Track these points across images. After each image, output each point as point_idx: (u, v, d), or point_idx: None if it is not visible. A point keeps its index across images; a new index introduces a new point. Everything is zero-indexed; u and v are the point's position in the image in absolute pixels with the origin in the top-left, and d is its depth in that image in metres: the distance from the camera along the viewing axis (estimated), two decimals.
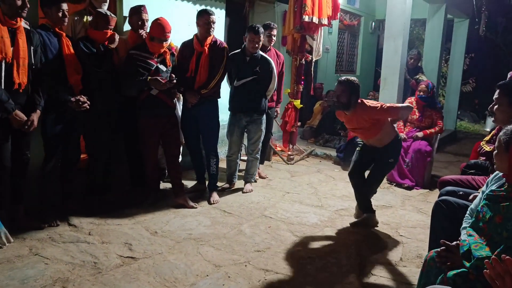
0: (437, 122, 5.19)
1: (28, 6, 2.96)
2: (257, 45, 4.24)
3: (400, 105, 3.72)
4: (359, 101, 3.54)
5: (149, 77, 3.71)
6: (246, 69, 4.29)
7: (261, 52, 4.40)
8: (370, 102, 3.59)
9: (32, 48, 3.11)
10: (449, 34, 8.80)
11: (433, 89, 5.26)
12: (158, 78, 3.69)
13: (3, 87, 2.92)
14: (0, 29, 2.89)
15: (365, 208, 3.76)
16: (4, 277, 2.65)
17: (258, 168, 4.96)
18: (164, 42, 3.76)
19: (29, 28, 3.11)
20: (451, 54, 9.20)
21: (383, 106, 3.55)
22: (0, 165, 3.06)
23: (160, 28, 3.70)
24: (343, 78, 3.59)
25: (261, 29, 4.25)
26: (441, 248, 2.02)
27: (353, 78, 3.59)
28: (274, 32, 4.90)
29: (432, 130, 5.16)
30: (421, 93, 5.18)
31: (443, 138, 7.01)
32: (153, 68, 3.78)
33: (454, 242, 2.03)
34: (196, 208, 4.01)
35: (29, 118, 3.06)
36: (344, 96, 3.50)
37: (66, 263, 2.88)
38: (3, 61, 2.91)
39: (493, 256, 1.56)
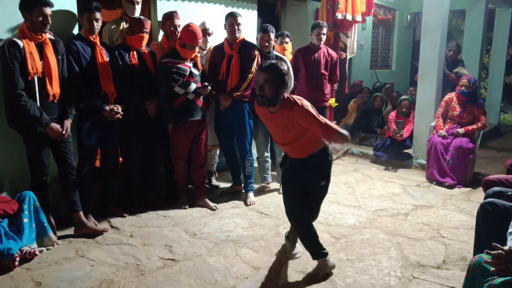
0: (480, 118, 5.01)
1: (50, 22, 3.03)
2: (267, 44, 4.28)
3: (337, 128, 2.72)
4: (285, 96, 2.70)
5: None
6: None
7: (275, 52, 4.43)
8: (302, 101, 2.69)
9: (59, 57, 3.20)
10: (490, 23, 8.46)
11: (475, 84, 5.07)
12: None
13: (38, 101, 3.05)
14: (28, 45, 2.98)
15: (317, 253, 2.90)
16: (54, 279, 2.78)
17: None
18: (196, 48, 3.82)
19: (53, 38, 3.20)
20: (493, 44, 8.84)
21: (320, 118, 2.66)
22: (42, 171, 3.21)
23: (191, 35, 3.75)
24: (266, 63, 2.69)
25: (270, 28, 4.29)
26: (498, 251, 1.93)
27: (280, 62, 2.70)
28: (324, 30, 4.86)
29: (474, 126, 4.99)
30: (463, 88, 5.01)
31: (486, 133, 6.74)
32: (187, 73, 3.84)
33: (507, 247, 1.95)
34: (216, 209, 4.05)
35: (62, 127, 3.18)
36: (270, 88, 2.62)
37: (110, 265, 2.98)
38: (35, 76, 3.02)
39: None
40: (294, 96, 2.73)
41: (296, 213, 2.91)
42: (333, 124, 2.75)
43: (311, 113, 2.65)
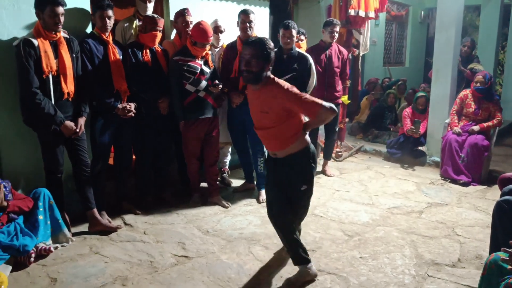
0: (495, 114, 4.93)
1: (62, 21, 3.05)
2: (289, 40, 4.17)
3: (323, 102, 2.57)
4: (271, 76, 2.65)
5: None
6: (284, 67, 4.24)
7: (297, 49, 4.36)
8: (284, 83, 2.64)
9: (74, 56, 3.23)
10: (506, 19, 8.31)
11: (491, 80, 4.99)
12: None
13: (52, 99, 3.08)
14: (43, 44, 3.02)
15: (299, 259, 2.78)
16: (69, 275, 2.82)
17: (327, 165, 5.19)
18: (206, 45, 3.83)
19: (68, 36, 3.23)
20: (508, 40, 8.66)
21: (302, 96, 2.58)
22: (56, 169, 3.25)
23: (202, 33, 3.74)
24: (252, 38, 2.70)
25: (292, 24, 4.18)
26: None
27: (266, 38, 2.68)
28: (337, 28, 4.85)
29: (490, 123, 4.91)
30: (478, 84, 4.93)
31: (502, 130, 6.62)
32: (198, 71, 3.84)
33: None
34: (228, 207, 4.05)
35: (76, 125, 3.22)
36: (256, 63, 2.56)
37: (124, 261, 3.01)
38: (50, 74, 3.05)
39: None
40: (278, 79, 2.66)
41: (278, 216, 2.80)
42: (317, 99, 2.58)
43: (292, 92, 2.58)
